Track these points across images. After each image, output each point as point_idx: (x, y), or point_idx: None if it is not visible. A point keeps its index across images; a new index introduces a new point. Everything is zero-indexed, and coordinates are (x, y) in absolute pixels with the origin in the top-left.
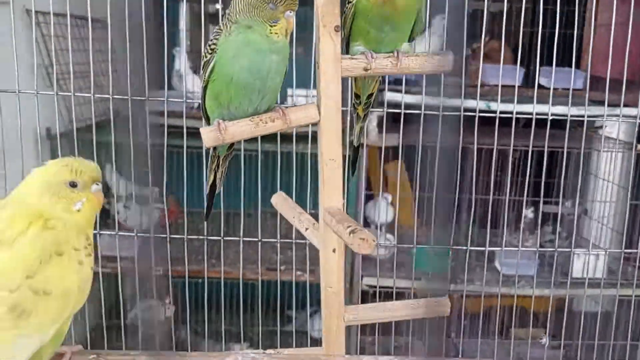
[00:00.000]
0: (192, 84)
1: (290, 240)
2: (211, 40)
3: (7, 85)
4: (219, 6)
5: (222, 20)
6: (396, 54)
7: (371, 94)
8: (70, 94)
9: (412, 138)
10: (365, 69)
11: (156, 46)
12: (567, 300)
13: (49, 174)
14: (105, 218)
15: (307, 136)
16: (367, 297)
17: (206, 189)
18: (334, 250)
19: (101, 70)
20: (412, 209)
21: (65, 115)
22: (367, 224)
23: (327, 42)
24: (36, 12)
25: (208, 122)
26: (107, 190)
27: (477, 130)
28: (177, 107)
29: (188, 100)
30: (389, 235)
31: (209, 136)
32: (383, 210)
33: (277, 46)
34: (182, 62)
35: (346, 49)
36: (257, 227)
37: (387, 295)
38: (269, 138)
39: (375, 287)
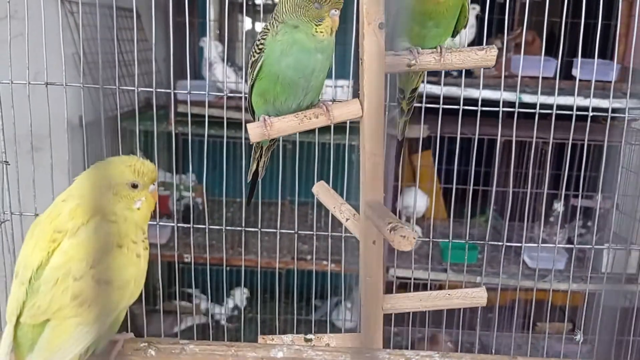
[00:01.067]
0: (223, 73)
1: (311, 232)
2: (258, 40)
3: (40, 74)
4: None
5: (269, 20)
6: (439, 50)
7: (415, 89)
8: (98, 86)
9: (436, 130)
10: (409, 65)
11: (183, 36)
12: (596, 295)
13: (113, 174)
14: None
15: (329, 128)
16: (391, 288)
17: (249, 177)
18: (373, 242)
19: (131, 60)
20: (440, 201)
21: (97, 104)
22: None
23: (371, 39)
24: (69, 1)
25: (253, 116)
26: None
27: (501, 122)
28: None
29: (212, 93)
30: (416, 227)
31: (255, 132)
32: (416, 201)
33: (323, 45)
34: (210, 52)
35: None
36: (277, 217)
37: (412, 287)
38: None
39: (402, 278)
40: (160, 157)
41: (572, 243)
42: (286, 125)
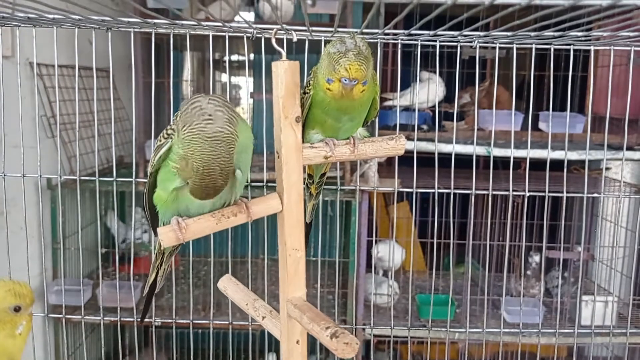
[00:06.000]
0: None
1: None
2: (169, 127)
3: (12, 135)
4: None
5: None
6: (352, 141)
7: (324, 173)
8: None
9: (410, 183)
10: (326, 157)
11: (157, 95)
12: (575, 349)
13: None
14: (105, 267)
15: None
16: (369, 346)
17: (145, 288)
18: (297, 342)
19: (101, 119)
20: (418, 253)
21: (67, 164)
22: (368, 269)
23: (289, 133)
24: (38, 64)
25: (154, 219)
26: (108, 237)
27: (475, 175)
28: None
29: None
30: (391, 282)
31: (168, 236)
32: (393, 255)
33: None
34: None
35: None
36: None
37: (389, 343)
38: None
39: (378, 336)
40: (131, 215)
41: (549, 295)
42: (203, 227)
